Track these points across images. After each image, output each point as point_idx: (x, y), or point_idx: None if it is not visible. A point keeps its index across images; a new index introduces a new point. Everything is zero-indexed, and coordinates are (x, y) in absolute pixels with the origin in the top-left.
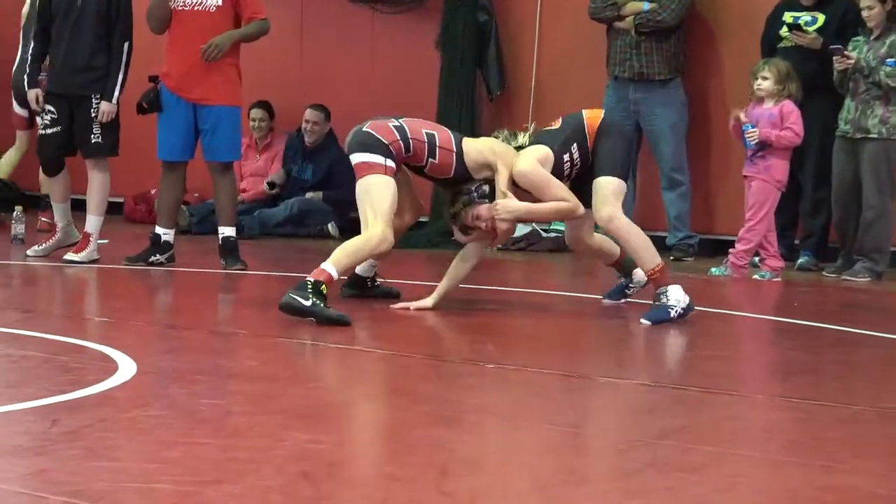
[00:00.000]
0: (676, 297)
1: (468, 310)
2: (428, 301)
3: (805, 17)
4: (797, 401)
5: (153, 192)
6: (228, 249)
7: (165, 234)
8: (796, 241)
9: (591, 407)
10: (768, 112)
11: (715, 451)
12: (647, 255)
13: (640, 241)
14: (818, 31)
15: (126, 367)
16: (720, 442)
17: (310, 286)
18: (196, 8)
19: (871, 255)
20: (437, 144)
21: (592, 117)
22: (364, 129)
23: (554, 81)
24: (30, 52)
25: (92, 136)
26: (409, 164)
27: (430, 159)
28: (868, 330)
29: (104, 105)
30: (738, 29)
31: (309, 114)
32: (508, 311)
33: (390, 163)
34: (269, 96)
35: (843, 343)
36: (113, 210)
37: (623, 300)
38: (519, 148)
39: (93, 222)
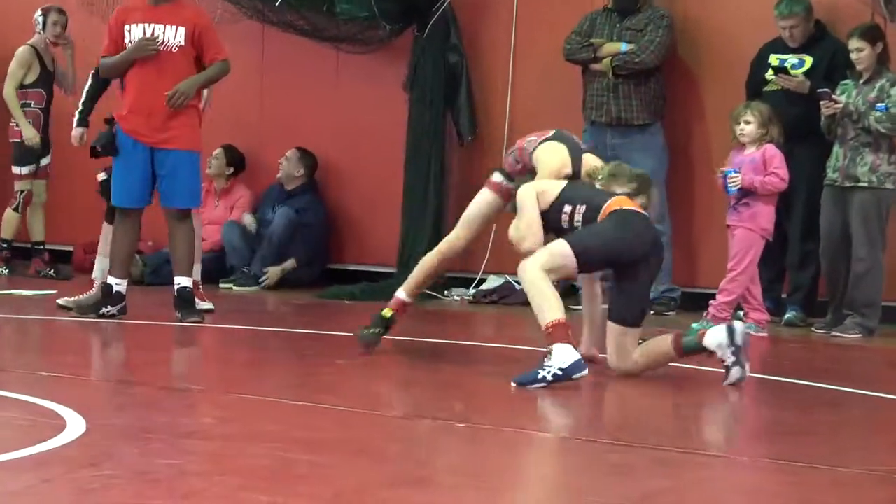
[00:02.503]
0: (557, 359)
1: (437, 365)
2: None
3: (792, 59)
4: (784, 463)
5: None
6: (184, 301)
7: (118, 284)
8: (783, 295)
9: (567, 467)
10: (750, 157)
11: None
12: (546, 307)
13: (541, 294)
14: (805, 74)
15: (75, 425)
16: None
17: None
18: (158, 48)
19: (862, 310)
20: (528, 149)
21: (613, 204)
22: None
23: (528, 126)
24: None
25: None
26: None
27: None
28: (859, 389)
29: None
30: (722, 72)
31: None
32: (479, 366)
33: (496, 177)
34: (227, 139)
35: (833, 402)
36: (62, 259)
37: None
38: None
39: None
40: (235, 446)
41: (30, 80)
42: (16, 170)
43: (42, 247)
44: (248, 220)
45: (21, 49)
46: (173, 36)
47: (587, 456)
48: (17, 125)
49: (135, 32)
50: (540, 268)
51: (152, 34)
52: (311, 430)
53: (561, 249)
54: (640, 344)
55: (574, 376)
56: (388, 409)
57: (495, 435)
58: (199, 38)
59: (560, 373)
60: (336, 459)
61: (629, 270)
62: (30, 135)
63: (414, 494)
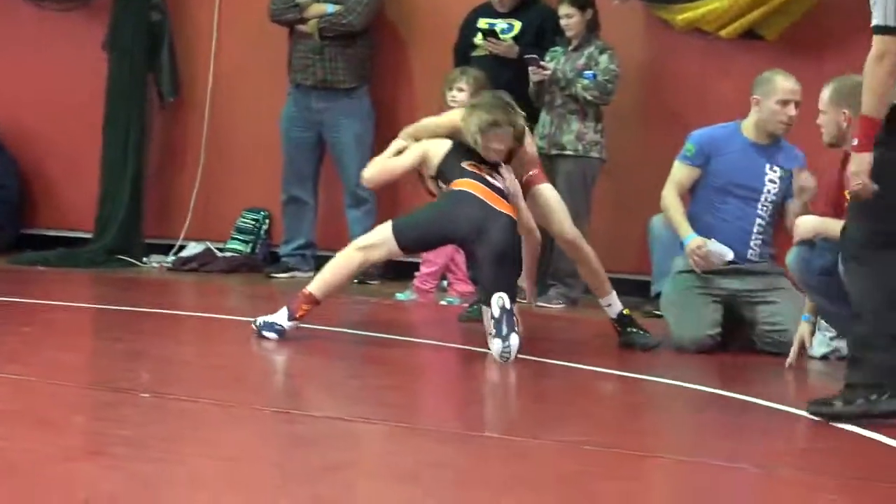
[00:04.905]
0: (273, 316)
1: (128, 334)
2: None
3: (501, 24)
4: (471, 434)
5: None
6: None
7: None
8: None
9: (250, 439)
10: None
11: (379, 487)
12: (315, 278)
13: (326, 267)
14: (514, 39)
15: None
16: (381, 477)
17: None
18: None
19: (566, 280)
20: None
21: (457, 183)
22: None
23: (232, 88)
24: None
25: None
26: None
27: None
28: (557, 360)
29: None
30: (430, 36)
31: None
32: (172, 335)
33: None
34: None
35: (529, 374)
36: None
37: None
38: None
39: None
40: None
41: None
42: None
43: None
44: None
45: None
46: None
47: (271, 427)
48: None
49: None
50: (356, 246)
51: None
52: None
53: (381, 229)
54: None
55: (264, 332)
56: (73, 379)
57: (180, 406)
58: None
59: (262, 324)
60: (13, 432)
61: (471, 251)
62: None
63: (87, 467)
